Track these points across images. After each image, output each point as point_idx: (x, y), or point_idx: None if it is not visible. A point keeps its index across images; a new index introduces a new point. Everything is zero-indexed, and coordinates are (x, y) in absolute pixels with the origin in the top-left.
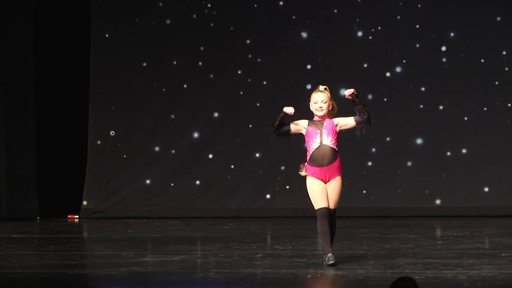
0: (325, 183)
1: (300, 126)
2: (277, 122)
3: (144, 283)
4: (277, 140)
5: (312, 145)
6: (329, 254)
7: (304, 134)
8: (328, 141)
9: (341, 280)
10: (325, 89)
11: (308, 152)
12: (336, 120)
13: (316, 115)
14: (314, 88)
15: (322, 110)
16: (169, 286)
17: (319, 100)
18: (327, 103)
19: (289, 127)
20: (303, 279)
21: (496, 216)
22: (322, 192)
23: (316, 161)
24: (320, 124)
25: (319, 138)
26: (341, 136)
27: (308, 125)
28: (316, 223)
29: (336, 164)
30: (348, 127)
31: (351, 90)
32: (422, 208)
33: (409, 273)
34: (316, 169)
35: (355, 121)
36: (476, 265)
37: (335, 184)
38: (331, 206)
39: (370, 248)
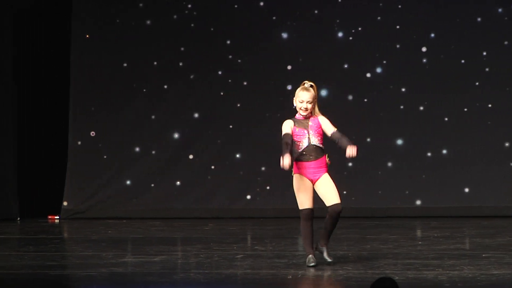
0: (313, 183)
1: (289, 128)
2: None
3: (124, 283)
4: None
5: (301, 145)
6: (310, 256)
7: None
8: (315, 141)
9: (321, 281)
10: (311, 86)
11: (297, 151)
12: (321, 120)
13: (300, 113)
14: (295, 88)
15: (307, 110)
16: (149, 287)
17: (305, 100)
18: (312, 104)
19: (289, 134)
20: (284, 279)
21: (476, 216)
22: (307, 192)
23: (304, 157)
24: (306, 124)
25: (307, 139)
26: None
27: (294, 125)
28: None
29: (324, 159)
30: (326, 132)
31: (355, 152)
32: (403, 208)
33: (389, 274)
34: (304, 164)
35: (331, 135)
36: (457, 265)
37: (325, 179)
38: (337, 200)
39: (350, 249)
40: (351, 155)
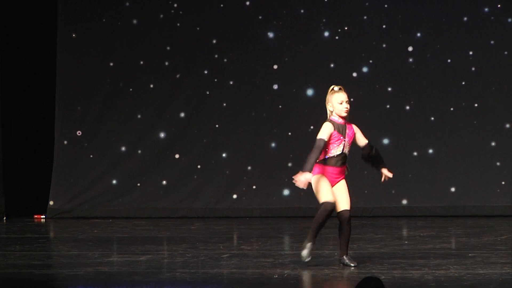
0: (331, 186)
1: (328, 133)
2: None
3: (110, 283)
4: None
5: (333, 151)
6: (309, 244)
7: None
8: (348, 149)
9: (307, 280)
10: (340, 89)
11: (327, 154)
12: (356, 130)
13: (340, 116)
14: (281, 88)
15: (348, 111)
16: (135, 286)
17: (344, 100)
18: (349, 103)
19: (324, 141)
20: (270, 279)
21: (462, 216)
22: (330, 188)
23: (332, 161)
24: (343, 130)
25: (342, 146)
26: (308, 135)
27: (333, 128)
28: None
29: (345, 166)
30: (356, 140)
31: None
32: (389, 208)
33: (375, 273)
34: (329, 168)
35: (363, 147)
36: (443, 265)
37: (343, 185)
38: (347, 207)
39: (336, 248)
40: (386, 180)
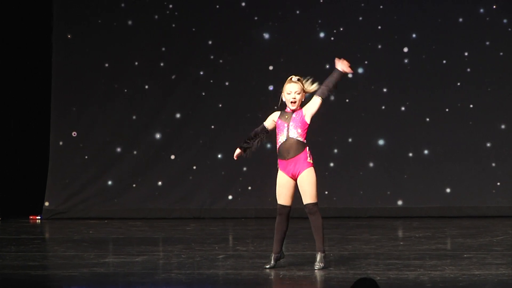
0: (295, 179)
1: (272, 121)
2: (251, 141)
3: (106, 284)
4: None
5: (279, 139)
6: (272, 255)
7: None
8: (295, 133)
9: (303, 281)
10: (298, 80)
11: (277, 146)
12: (304, 110)
13: (288, 107)
14: (276, 89)
15: (295, 102)
16: (130, 287)
17: (293, 91)
18: (300, 94)
19: (264, 125)
20: (265, 279)
21: (458, 217)
22: (284, 188)
23: (281, 154)
24: (289, 117)
25: (286, 131)
26: None
27: (278, 117)
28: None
29: (303, 156)
30: (317, 109)
31: (347, 68)
32: (384, 208)
33: (371, 274)
34: (283, 162)
35: (318, 92)
36: (438, 266)
37: (305, 175)
38: (305, 201)
39: (332, 249)
40: (345, 70)
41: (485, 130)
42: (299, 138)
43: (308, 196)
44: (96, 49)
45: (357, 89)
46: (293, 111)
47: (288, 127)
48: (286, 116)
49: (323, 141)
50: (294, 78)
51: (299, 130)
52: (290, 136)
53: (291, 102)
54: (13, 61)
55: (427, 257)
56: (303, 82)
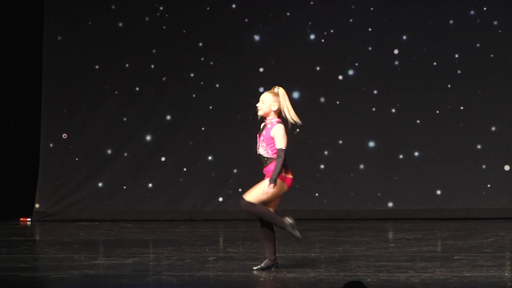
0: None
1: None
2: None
3: (97, 286)
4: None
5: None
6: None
7: None
8: (262, 149)
9: (293, 283)
10: (276, 89)
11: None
12: (273, 133)
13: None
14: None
15: (259, 110)
16: None
17: (260, 100)
18: (265, 104)
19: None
20: (256, 281)
21: (448, 219)
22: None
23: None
24: (263, 129)
25: (258, 144)
26: (293, 138)
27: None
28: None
29: (269, 168)
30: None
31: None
32: (375, 210)
33: (361, 276)
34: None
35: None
36: (429, 268)
37: (262, 182)
38: (244, 196)
39: (322, 251)
40: (265, 189)
41: (476, 132)
42: (263, 154)
43: (248, 194)
44: (86, 51)
45: (347, 91)
46: (269, 121)
47: (259, 141)
48: (262, 128)
49: (314, 143)
50: (276, 89)
51: (265, 146)
52: (258, 151)
53: (257, 111)
54: (3, 63)
55: (417, 259)
56: (281, 96)
